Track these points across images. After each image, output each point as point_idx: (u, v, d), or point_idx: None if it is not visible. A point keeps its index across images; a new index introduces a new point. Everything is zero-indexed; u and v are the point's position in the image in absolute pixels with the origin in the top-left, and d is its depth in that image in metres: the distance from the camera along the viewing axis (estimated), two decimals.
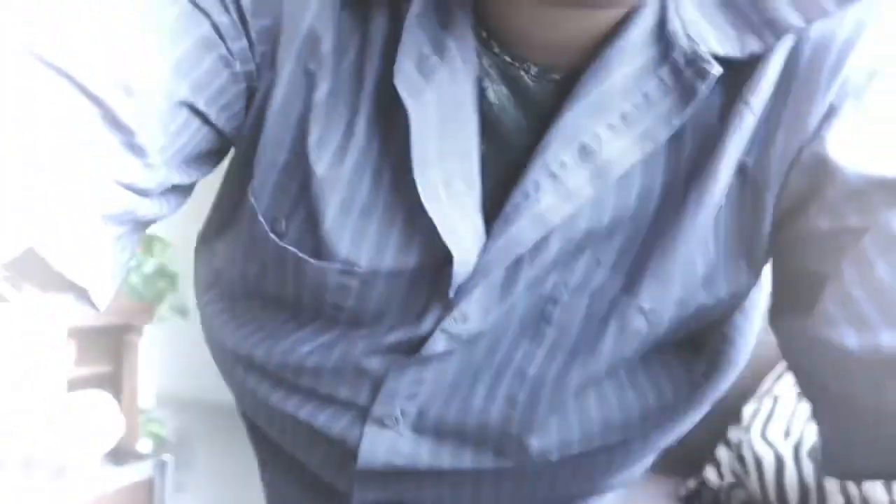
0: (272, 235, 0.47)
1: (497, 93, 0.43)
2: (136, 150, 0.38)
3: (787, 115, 0.41)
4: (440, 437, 0.50)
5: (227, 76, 0.42)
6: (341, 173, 0.44)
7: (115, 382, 2.49)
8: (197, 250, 0.60)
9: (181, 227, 1.02)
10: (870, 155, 0.39)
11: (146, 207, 0.40)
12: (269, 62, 0.43)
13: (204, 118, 0.42)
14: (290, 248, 0.47)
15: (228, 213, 0.54)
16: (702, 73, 0.39)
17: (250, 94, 0.44)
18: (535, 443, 0.49)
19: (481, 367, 0.48)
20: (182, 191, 0.45)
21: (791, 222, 0.42)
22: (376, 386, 0.49)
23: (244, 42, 0.42)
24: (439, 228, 0.42)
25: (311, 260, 0.46)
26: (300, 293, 0.49)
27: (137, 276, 1.93)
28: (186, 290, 1.65)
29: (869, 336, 0.37)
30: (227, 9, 0.41)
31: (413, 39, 0.41)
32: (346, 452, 0.52)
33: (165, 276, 1.98)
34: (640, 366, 0.48)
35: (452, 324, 0.46)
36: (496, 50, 0.43)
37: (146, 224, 0.42)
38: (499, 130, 0.44)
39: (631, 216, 0.44)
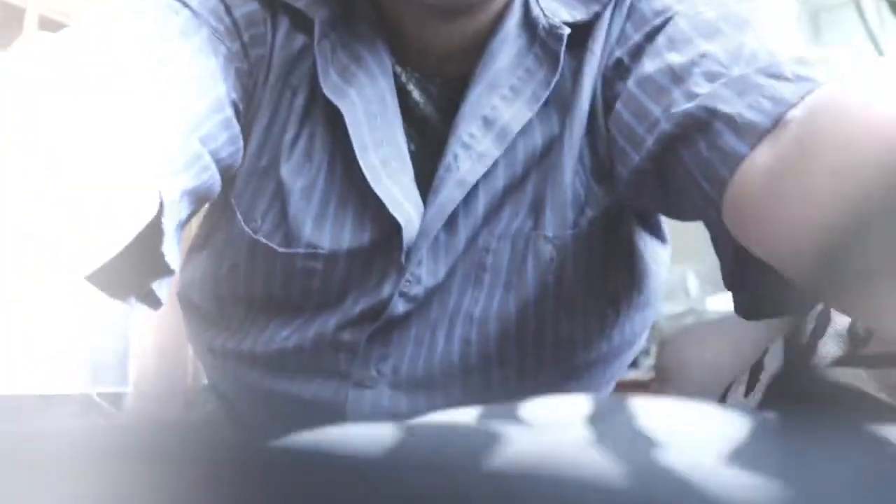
0: (247, 230, 0.56)
1: (418, 94, 0.55)
2: (224, 118, 0.47)
3: (613, 48, 0.53)
4: (414, 388, 0.59)
5: (233, 71, 0.52)
6: (303, 169, 0.54)
7: None
8: (184, 263, 0.68)
9: None
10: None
11: (215, 177, 0.49)
12: (260, 73, 0.53)
13: (236, 109, 0.52)
14: (262, 240, 0.55)
15: (211, 224, 0.62)
16: (559, 38, 0.51)
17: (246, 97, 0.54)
18: (495, 373, 0.58)
19: (436, 320, 0.57)
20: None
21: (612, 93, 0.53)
22: (352, 354, 0.57)
23: (238, 45, 0.52)
24: (386, 203, 0.52)
25: (280, 249, 0.55)
26: (270, 284, 0.57)
27: None
28: None
29: (630, 164, 0.48)
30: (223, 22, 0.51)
31: (329, 53, 0.52)
32: (335, 415, 0.59)
33: None
34: (574, 295, 0.57)
35: (407, 286, 0.55)
36: (409, 68, 0.54)
37: (199, 206, 0.50)
38: (423, 124, 0.55)
39: (538, 164, 0.54)
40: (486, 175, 0.52)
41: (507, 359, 0.58)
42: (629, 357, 0.67)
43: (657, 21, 0.50)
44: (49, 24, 2.46)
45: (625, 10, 0.52)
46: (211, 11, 0.50)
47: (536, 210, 0.54)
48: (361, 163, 0.51)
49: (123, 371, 2.59)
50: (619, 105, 0.49)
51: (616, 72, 0.52)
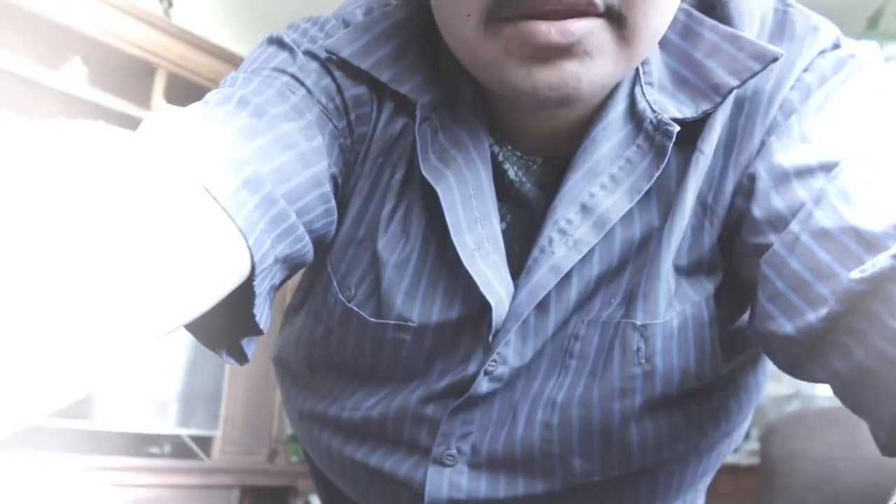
0: (342, 298, 0.56)
1: (516, 173, 0.54)
2: (322, 192, 0.49)
3: (736, 154, 0.51)
4: (493, 469, 0.57)
5: (337, 148, 0.53)
6: (398, 244, 0.54)
7: None
8: (281, 326, 0.68)
9: None
10: (793, 152, 0.48)
11: (308, 247, 0.50)
12: (362, 148, 0.55)
13: (335, 182, 0.54)
14: (355, 308, 0.56)
15: (307, 286, 0.63)
16: (667, 134, 0.50)
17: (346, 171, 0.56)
18: (577, 463, 0.55)
19: (519, 401, 0.55)
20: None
21: (733, 241, 0.51)
22: (434, 429, 0.56)
23: (344, 122, 0.54)
24: (477, 282, 0.51)
25: (371, 319, 0.55)
26: (361, 351, 0.57)
27: None
28: None
29: (800, 320, 0.44)
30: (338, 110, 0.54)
31: (430, 136, 0.53)
32: (413, 493, 0.58)
33: None
34: (663, 389, 0.54)
35: (493, 366, 0.53)
36: (509, 147, 0.54)
37: (293, 273, 0.51)
38: (520, 202, 0.55)
39: (635, 254, 0.53)
40: (581, 261, 0.52)
41: (590, 450, 0.55)
42: (727, 448, 0.63)
43: (812, 161, 0.47)
44: (176, 80, 2.62)
45: (767, 122, 0.51)
46: (323, 91, 0.53)
47: (629, 299, 0.53)
48: (455, 243, 0.51)
49: (214, 416, 2.64)
50: (780, 248, 0.46)
51: (749, 186, 0.50)
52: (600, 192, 0.51)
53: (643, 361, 0.53)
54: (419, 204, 0.54)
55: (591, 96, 0.47)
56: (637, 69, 0.51)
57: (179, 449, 2.55)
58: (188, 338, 2.88)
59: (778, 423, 1.70)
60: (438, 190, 0.52)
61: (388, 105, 0.55)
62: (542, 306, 0.53)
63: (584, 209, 0.51)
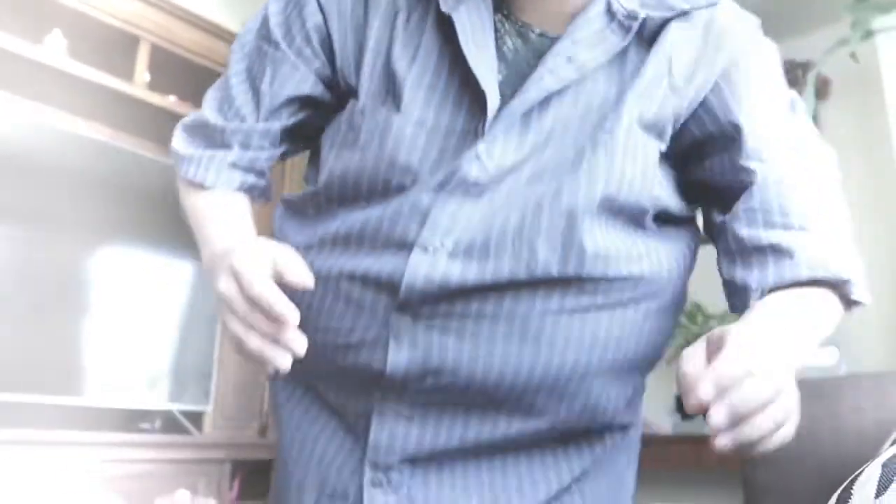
0: (369, 106, 0.74)
1: (512, 43, 0.75)
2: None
3: (704, 66, 0.74)
4: (469, 256, 0.68)
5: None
6: (414, 67, 0.73)
7: None
8: (332, 161, 0.80)
9: None
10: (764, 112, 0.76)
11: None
12: (360, 21, 0.77)
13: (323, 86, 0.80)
14: (383, 109, 0.73)
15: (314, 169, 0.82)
16: (635, 18, 0.73)
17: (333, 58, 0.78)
18: (541, 248, 0.68)
19: (500, 206, 0.69)
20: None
21: (696, 147, 0.77)
22: (424, 219, 0.69)
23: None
24: (482, 84, 0.70)
25: (395, 116, 0.71)
26: (378, 163, 0.72)
27: None
28: None
29: (756, 234, 0.72)
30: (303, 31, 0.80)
31: None
32: (391, 293, 0.69)
33: None
34: (618, 188, 0.70)
35: (483, 152, 0.69)
36: (512, 18, 0.75)
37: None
38: (512, 64, 0.74)
39: (599, 104, 0.72)
40: (559, 94, 0.70)
41: (554, 236, 0.68)
42: (660, 340, 0.76)
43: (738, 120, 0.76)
44: (160, 53, 2.58)
45: (718, 67, 0.75)
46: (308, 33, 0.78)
47: (595, 128, 0.70)
48: (465, 52, 0.70)
49: (205, 390, 2.64)
50: (710, 166, 0.77)
51: (705, 110, 0.75)
52: (582, 51, 0.71)
53: (608, 136, 0.70)
54: (432, 35, 0.73)
55: None
56: None
57: (170, 424, 2.56)
58: (179, 313, 2.84)
59: None
60: (455, 18, 0.71)
61: None
62: (526, 118, 0.70)
63: (570, 59, 0.71)
